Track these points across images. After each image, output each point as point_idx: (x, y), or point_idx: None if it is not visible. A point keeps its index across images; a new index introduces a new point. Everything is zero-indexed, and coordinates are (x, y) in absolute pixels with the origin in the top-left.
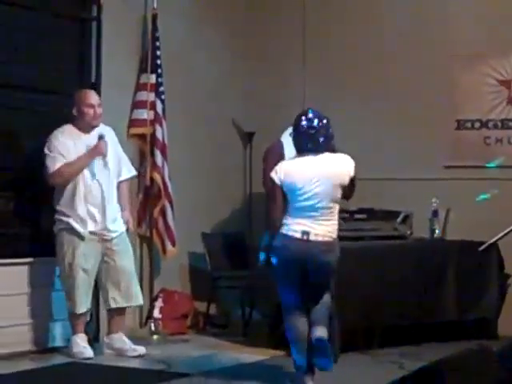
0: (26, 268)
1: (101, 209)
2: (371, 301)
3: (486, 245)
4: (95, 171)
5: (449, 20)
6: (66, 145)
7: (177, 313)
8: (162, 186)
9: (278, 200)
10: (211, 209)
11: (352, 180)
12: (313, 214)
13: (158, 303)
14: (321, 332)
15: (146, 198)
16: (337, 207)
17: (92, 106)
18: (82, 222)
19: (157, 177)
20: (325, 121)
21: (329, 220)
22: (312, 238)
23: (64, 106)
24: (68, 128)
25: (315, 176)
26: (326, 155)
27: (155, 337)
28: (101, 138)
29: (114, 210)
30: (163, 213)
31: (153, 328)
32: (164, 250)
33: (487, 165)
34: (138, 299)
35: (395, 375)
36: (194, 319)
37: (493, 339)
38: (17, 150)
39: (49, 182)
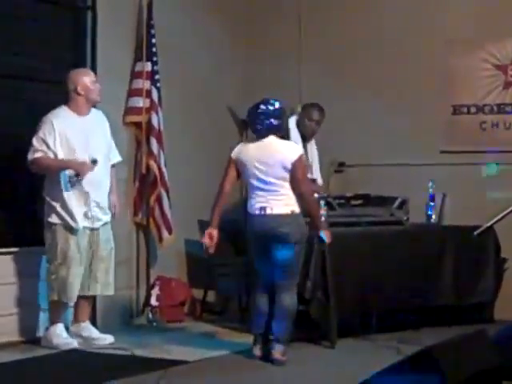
0: (11, 258)
1: (95, 198)
2: (368, 286)
3: (482, 229)
4: (92, 159)
5: (445, 5)
6: (57, 129)
7: (174, 300)
8: (158, 174)
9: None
10: (207, 196)
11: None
12: (264, 189)
13: (155, 291)
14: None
15: (142, 186)
16: (286, 185)
17: (95, 82)
18: (77, 214)
19: (153, 165)
20: (278, 108)
21: (283, 194)
22: (268, 212)
23: (59, 95)
24: (63, 111)
25: (260, 156)
26: (272, 138)
27: (152, 324)
28: (94, 162)
29: (105, 199)
30: (159, 201)
31: (150, 316)
32: (160, 238)
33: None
34: (111, 289)
35: (393, 360)
36: (191, 306)
37: (489, 323)
38: (6, 138)
39: (29, 167)
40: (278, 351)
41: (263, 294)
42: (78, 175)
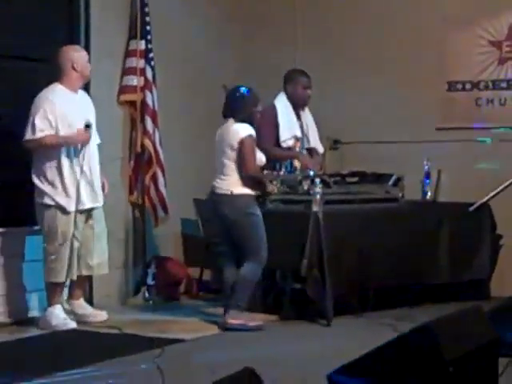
0: None
1: (88, 181)
2: (364, 264)
3: (477, 205)
4: (86, 123)
5: None
6: (57, 106)
7: (170, 279)
8: (153, 153)
9: None
10: (202, 175)
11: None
12: (217, 170)
13: (151, 270)
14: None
15: (137, 165)
16: (232, 165)
17: (89, 62)
18: (70, 197)
19: (148, 143)
20: (239, 93)
21: (226, 175)
22: (215, 191)
23: (52, 73)
24: (58, 88)
25: (217, 137)
26: (231, 121)
27: (148, 303)
28: (88, 126)
29: (98, 181)
30: (155, 180)
31: (146, 295)
32: (156, 217)
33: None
34: (106, 268)
35: (389, 337)
36: (188, 285)
37: (485, 300)
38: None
39: (26, 145)
40: (230, 316)
41: (231, 266)
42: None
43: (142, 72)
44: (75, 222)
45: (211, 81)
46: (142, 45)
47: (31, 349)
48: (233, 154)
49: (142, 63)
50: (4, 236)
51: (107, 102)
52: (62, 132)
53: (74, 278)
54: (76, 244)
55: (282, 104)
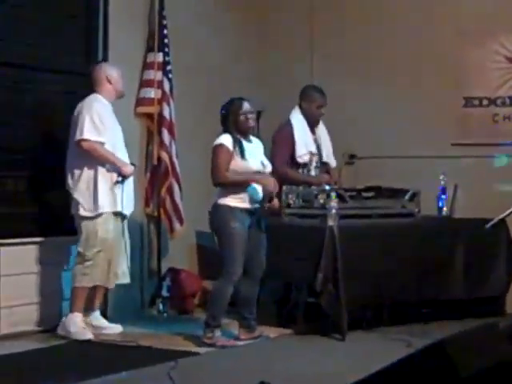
0: (35, 247)
1: (123, 189)
2: (379, 279)
3: (494, 221)
4: (121, 153)
5: None
6: (103, 113)
7: (185, 292)
8: (169, 165)
9: None
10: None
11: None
12: None
13: (166, 282)
14: None
15: (153, 177)
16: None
17: (121, 78)
18: (109, 204)
19: (164, 156)
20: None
21: None
22: None
23: (71, 84)
24: (99, 97)
25: None
26: None
27: (163, 316)
28: (133, 164)
29: (132, 189)
30: (171, 192)
31: (161, 307)
32: (172, 229)
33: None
34: (128, 277)
35: (403, 353)
36: (202, 298)
37: (501, 316)
38: (26, 129)
39: (77, 144)
40: (204, 333)
41: (242, 279)
42: (124, 176)
43: (160, 84)
44: (112, 229)
45: (229, 92)
46: (160, 57)
47: (46, 359)
48: None
49: (159, 75)
50: (42, 245)
51: (124, 113)
52: (105, 139)
53: (113, 285)
54: (113, 251)
55: (298, 120)
